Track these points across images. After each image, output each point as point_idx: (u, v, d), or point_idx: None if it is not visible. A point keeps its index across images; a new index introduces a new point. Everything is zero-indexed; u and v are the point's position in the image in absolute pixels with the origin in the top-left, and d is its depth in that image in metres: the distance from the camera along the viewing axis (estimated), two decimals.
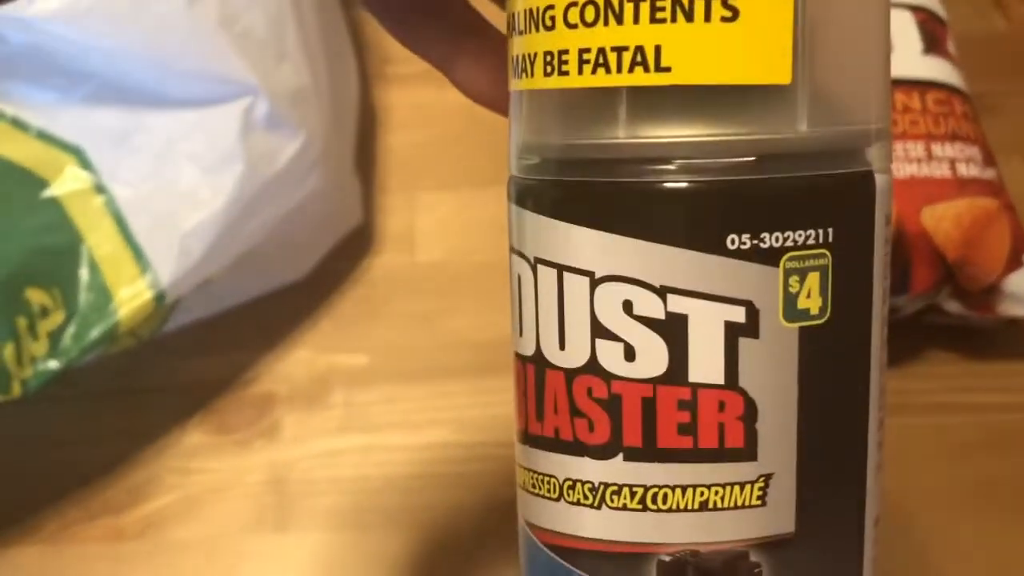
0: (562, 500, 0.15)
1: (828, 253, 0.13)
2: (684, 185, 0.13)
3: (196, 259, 0.37)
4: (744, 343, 0.13)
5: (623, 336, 0.14)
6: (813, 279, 0.13)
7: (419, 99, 0.51)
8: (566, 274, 0.14)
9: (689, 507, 0.14)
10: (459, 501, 0.40)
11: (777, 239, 0.13)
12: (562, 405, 0.14)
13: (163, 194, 0.37)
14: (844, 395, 0.14)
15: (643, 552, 0.14)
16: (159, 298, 0.37)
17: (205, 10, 0.36)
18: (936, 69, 0.42)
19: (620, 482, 0.14)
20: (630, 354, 0.14)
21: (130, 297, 0.36)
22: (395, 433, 0.42)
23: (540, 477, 0.15)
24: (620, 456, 0.14)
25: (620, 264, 0.13)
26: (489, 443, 0.41)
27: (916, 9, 0.43)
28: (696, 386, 0.14)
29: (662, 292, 0.13)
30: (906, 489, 0.40)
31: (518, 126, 0.16)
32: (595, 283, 0.13)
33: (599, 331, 0.14)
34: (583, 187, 0.14)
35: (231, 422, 0.43)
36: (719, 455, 0.14)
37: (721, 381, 0.14)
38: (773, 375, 0.14)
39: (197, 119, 0.37)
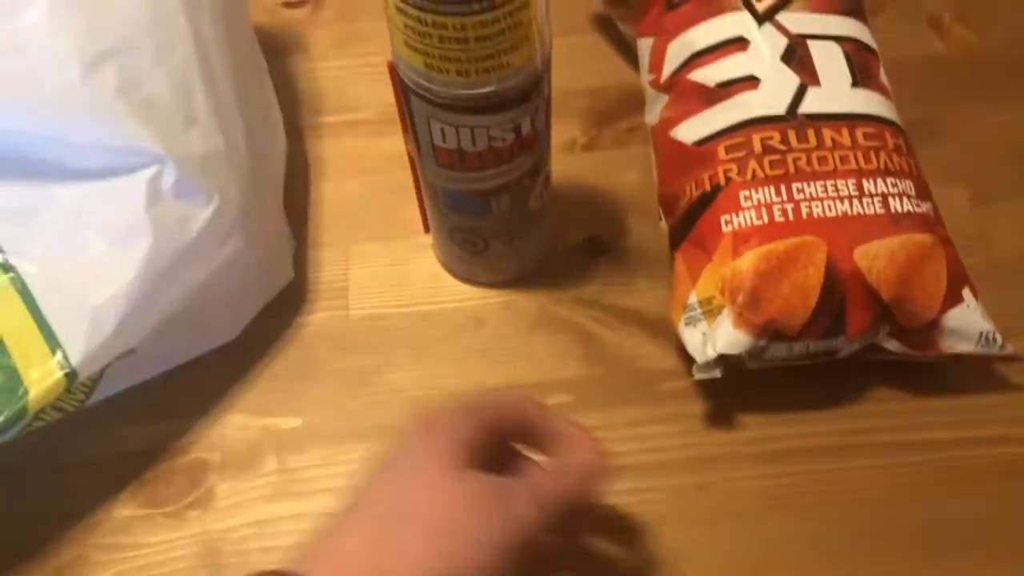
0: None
1: None
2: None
3: (108, 334, 0.36)
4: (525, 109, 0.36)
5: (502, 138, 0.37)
6: None
7: (352, 149, 0.50)
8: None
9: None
10: None
11: None
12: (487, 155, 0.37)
13: (71, 268, 0.36)
14: None
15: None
16: (70, 377, 0.35)
17: (102, 80, 0.35)
18: (866, 102, 0.41)
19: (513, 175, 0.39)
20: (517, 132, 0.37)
21: (40, 378, 0.35)
22: (328, 498, 0.40)
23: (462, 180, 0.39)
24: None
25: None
26: None
27: (843, 40, 0.42)
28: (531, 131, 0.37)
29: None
30: (857, 534, 0.39)
31: None
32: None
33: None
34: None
35: (162, 493, 0.41)
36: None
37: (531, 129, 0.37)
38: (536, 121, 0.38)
39: (103, 190, 0.36)
